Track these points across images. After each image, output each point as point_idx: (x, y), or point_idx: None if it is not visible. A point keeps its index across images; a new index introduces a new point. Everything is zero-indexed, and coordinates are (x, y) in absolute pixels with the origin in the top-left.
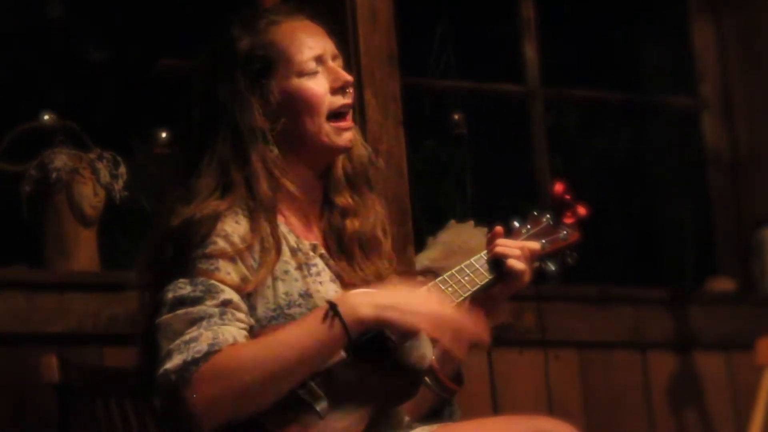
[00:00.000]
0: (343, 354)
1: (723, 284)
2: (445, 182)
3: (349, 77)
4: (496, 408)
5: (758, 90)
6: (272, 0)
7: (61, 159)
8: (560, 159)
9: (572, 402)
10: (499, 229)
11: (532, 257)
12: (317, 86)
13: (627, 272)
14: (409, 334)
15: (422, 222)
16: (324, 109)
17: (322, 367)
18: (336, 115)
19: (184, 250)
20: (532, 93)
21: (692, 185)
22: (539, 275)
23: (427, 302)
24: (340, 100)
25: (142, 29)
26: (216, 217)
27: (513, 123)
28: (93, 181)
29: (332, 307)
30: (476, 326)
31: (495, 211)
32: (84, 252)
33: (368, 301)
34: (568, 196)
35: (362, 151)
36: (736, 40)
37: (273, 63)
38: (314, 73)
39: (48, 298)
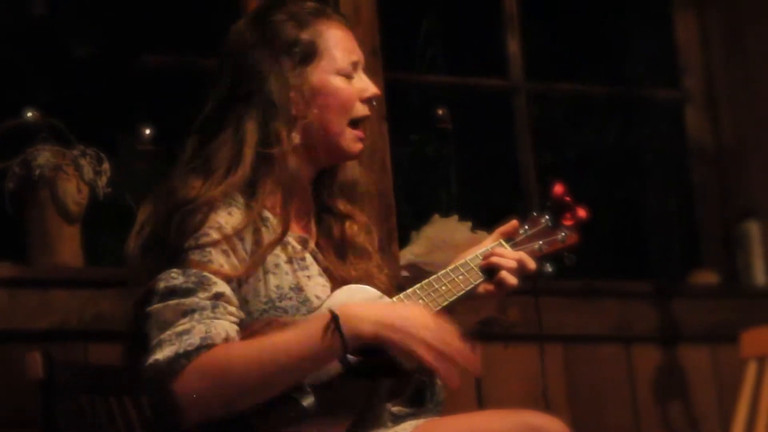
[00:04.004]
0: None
1: (707, 277)
2: (430, 177)
3: (378, 91)
4: (481, 402)
5: (741, 82)
6: None
7: (44, 156)
8: (545, 153)
9: (558, 395)
10: (508, 228)
11: (524, 271)
12: (351, 90)
13: (612, 265)
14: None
15: (406, 216)
16: (351, 113)
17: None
18: (356, 123)
19: (176, 239)
20: (516, 87)
21: (676, 178)
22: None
23: (426, 325)
24: (364, 110)
25: (126, 25)
26: (208, 207)
27: (497, 117)
28: (76, 177)
29: (334, 320)
30: (469, 355)
31: (479, 206)
32: (68, 248)
33: (369, 316)
34: (568, 198)
35: (355, 167)
36: (719, 33)
37: (317, 53)
38: (350, 77)
39: (32, 294)
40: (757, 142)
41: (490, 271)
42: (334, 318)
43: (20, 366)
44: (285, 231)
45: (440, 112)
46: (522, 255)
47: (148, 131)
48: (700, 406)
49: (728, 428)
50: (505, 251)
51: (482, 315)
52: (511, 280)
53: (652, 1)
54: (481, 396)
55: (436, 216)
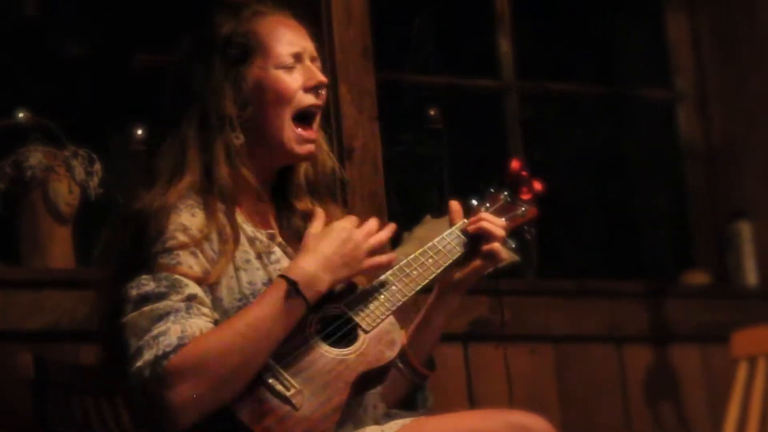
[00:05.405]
0: (313, 339)
1: (699, 277)
2: (421, 177)
3: (323, 78)
4: (472, 402)
5: (733, 82)
6: None
7: (36, 156)
8: (537, 152)
9: (548, 396)
10: (456, 204)
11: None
12: (291, 80)
13: (603, 265)
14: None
15: (398, 217)
16: (293, 104)
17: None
18: (303, 116)
19: (142, 245)
20: (507, 87)
21: (668, 178)
22: (513, 270)
23: (348, 239)
24: (310, 99)
25: (118, 25)
26: (167, 210)
27: (489, 117)
28: (68, 178)
29: (292, 284)
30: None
31: (471, 206)
32: (59, 249)
33: (319, 271)
34: (524, 173)
35: (327, 161)
36: (710, 33)
37: (251, 51)
38: (290, 68)
39: (24, 295)
40: (748, 141)
41: (473, 242)
42: (293, 284)
43: (12, 366)
44: (236, 240)
45: (432, 112)
46: (507, 223)
47: (140, 132)
48: (691, 406)
49: (719, 428)
50: (494, 219)
51: (473, 315)
52: (503, 254)
53: (643, 0)
54: (472, 396)
55: (428, 216)
